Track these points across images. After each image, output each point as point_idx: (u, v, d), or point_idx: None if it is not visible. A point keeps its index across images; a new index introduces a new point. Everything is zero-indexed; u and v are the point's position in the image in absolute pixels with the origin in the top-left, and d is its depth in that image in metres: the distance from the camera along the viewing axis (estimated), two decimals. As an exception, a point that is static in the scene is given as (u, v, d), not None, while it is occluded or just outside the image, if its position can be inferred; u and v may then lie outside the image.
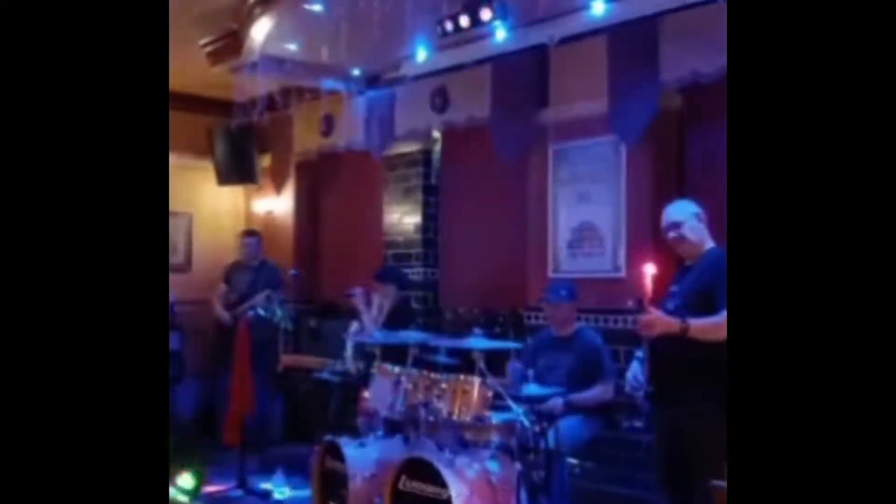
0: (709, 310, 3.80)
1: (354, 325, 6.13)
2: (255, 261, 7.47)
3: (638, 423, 4.03)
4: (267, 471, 6.35)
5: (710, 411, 3.76)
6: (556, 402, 4.86)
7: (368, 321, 6.01)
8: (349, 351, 5.99)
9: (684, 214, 4.07)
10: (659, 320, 3.84)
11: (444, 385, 4.70)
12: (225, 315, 7.22)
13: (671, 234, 4.10)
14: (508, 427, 4.59)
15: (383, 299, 6.10)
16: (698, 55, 5.16)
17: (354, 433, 5.09)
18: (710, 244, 4.05)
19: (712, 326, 3.77)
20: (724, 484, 3.30)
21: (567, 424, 4.83)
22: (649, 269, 3.91)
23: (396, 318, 6.10)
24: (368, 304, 6.04)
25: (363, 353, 5.83)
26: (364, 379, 5.42)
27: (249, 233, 7.74)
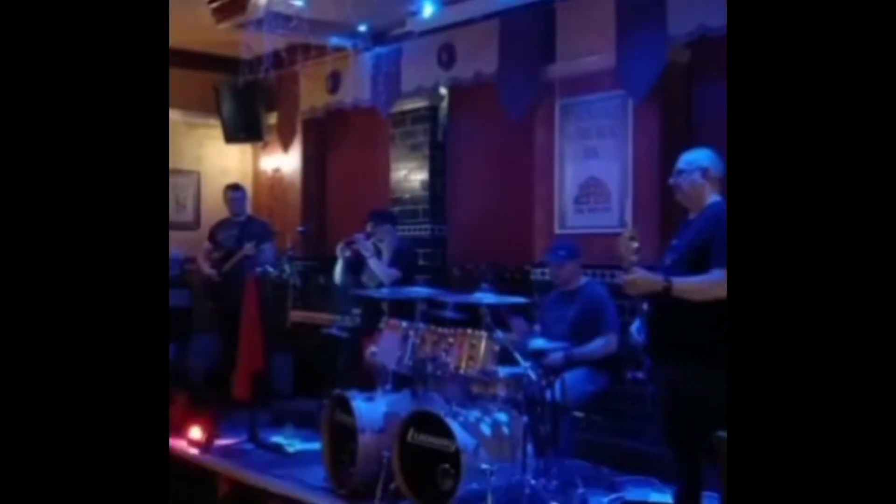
0: (703, 266, 3.80)
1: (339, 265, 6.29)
2: (241, 216, 7.47)
3: (640, 375, 4.07)
4: (277, 425, 6.44)
5: (702, 368, 3.79)
6: (557, 356, 4.90)
7: (375, 264, 6.07)
8: (339, 268, 6.22)
9: (691, 165, 4.05)
10: (642, 280, 3.84)
11: (451, 339, 4.74)
12: (211, 271, 7.25)
13: (670, 180, 4.12)
14: (515, 381, 4.64)
15: (380, 242, 6.22)
16: (706, 8, 5.11)
17: (363, 387, 5.15)
18: (713, 198, 4.03)
19: (696, 287, 3.77)
20: (725, 436, 3.35)
21: (573, 378, 4.87)
22: (627, 233, 3.92)
23: (403, 260, 6.17)
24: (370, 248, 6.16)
25: (367, 307, 5.89)
26: (372, 332, 5.47)
27: (235, 187, 7.67)
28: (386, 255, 6.23)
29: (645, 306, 4.06)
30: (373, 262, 6.08)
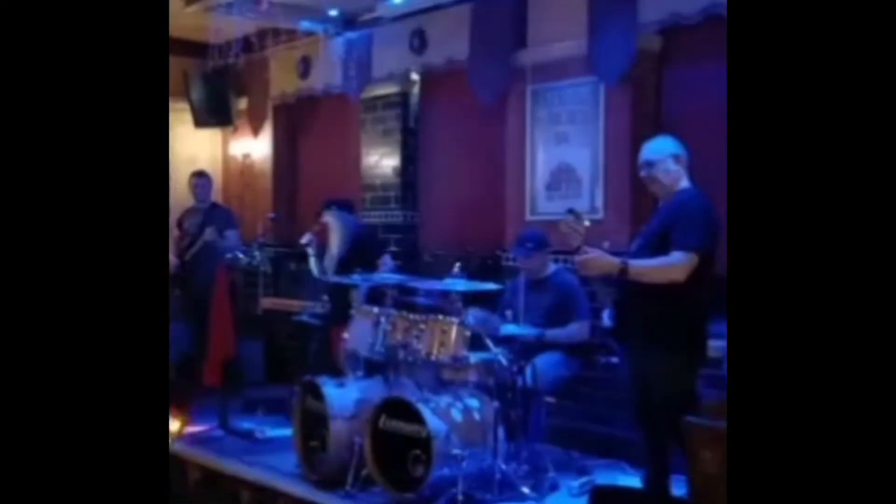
0: (665, 250, 3.84)
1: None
2: (205, 203, 7.43)
3: (614, 359, 4.12)
4: (248, 411, 6.42)
5: (669, 353, 3.85)
6: (529, 333, 4.91)
7: (328, 258, 6.05)
8: (312, 262, 6.14)
9: (660, 154, 4.07)
10: (595, 261, 3.88)
11: (422, 326, 4.75)
12: (174, 260, 7.20)
13: (643, 174, 4.12)
14: (486, 366, 4.66)
15: (333, 231, 6.15)
16: (677, -4, 5.14)
17: (334, 374, 5.15)
18: (683, 184, 4.07)
19: (652, 269, 3.83)
20: (698, 420, 3.38)
21: (544, 363, 4.89)
22: (570, 218, 3.96)
23: (359, 248, 6.09)
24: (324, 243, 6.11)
25: (342, 293, 5.86)
26: (342, 319, 5.45)
27: (199, 174, 7.61)
28: (336, 241, 6.16)
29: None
30: (312, 261, 6.10)
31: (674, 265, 3.79)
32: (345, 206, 6.39)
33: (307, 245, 6.15)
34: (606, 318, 4.15)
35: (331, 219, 6.17)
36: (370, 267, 5.71)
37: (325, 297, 6.21)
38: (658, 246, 3.89)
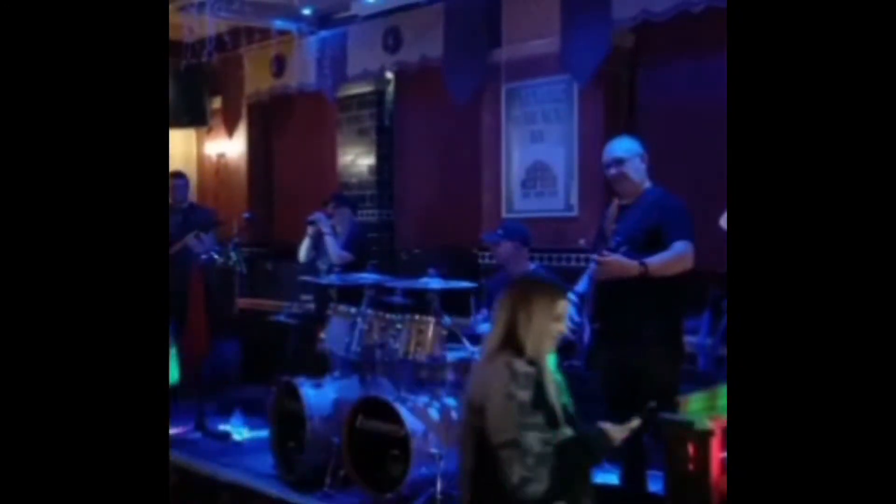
0: (657, 247, 3.88)
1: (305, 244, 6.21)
2: (183, 203, 7.36)
3: (577, 363, 4.10)
4: (225, 413, 6.38)
5: (658, 347, 3.87)
6: None
7: (330, 242, 6.03)
8: (305, 246, 6.16)
9: (629, 153, 4.10)
10: (616, 264, 3.89)
11: (399, 325, 4.74)
12: None
13: (612, 171, 4.13)
14: (463, 365, 4.66)
15: (338, 224, 6.15)
16: (650, -7, 5.16)
17: (311, 374, 5.13)
18: (648, 184, 4.11)
19: (670, 262, 3.89)
20: (674, 417, 3.39)
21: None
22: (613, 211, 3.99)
23: (357, 246, 6.12)
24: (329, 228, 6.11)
25: (320, 293, 5.85)
26: (320, 319, 5.44)
27: (177, 175, 7.52)
28: (341, 238, 6.17)
29: (571, 295, 4.07)
30: (328, 240, 6.04)
31: (685, 255, 3.90)
32: (349, 204, 6.39)
33: (313, 223, 6.12)
34: (575, 315, 4.15)
35: (338, 214, 6.17)
36: (362, 268, 5.71)
37: (306, 297, 6.20)
38: (645, 243, 3.92)
